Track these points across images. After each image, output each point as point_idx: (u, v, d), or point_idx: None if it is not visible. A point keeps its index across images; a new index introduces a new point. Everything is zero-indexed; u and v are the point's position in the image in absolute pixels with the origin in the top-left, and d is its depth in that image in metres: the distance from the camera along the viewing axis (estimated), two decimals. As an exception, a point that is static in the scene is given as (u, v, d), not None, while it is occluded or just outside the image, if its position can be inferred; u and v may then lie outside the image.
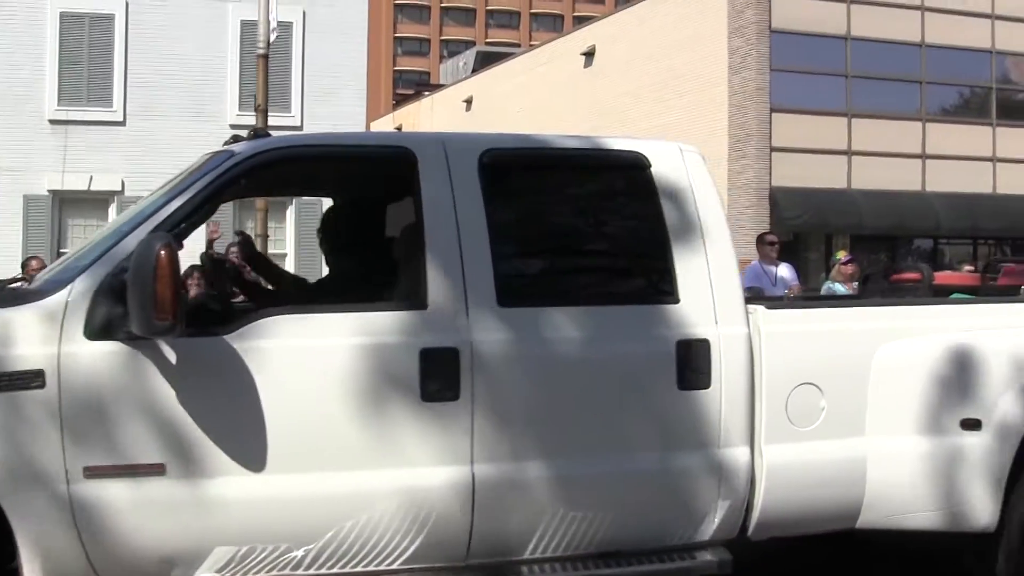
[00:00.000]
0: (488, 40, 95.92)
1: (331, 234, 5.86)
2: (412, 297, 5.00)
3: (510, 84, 40.66)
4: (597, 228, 5.49)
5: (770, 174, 31.35)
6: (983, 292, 7.30)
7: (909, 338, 5.55)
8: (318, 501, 4.77)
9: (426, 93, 53.08)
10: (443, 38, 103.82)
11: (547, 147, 5.71)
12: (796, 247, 30.89)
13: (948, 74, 33.11)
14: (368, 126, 36.10)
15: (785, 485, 5.35)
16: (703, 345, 5.20)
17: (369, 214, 5.85)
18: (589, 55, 36.40)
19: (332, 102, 23.81)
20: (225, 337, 4.71)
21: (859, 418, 5.46)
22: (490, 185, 5.14)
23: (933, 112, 33.05)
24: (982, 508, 5.46)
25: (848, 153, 31.87)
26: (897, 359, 5.48)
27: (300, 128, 23.22)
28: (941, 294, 7.02)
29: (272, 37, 17.66)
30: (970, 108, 33.78)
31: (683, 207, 5.37)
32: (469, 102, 43.63)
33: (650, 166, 5.39)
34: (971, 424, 5.42)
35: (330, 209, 6.14)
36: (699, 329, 5.22)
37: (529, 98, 38.76)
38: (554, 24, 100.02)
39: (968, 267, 13.17)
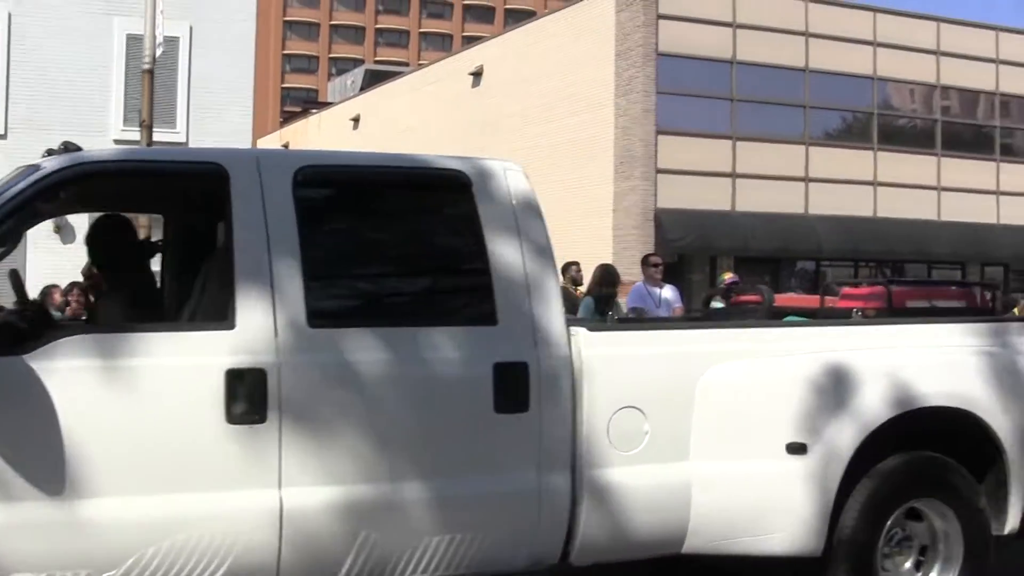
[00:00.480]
0: (377, 59, 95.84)
1: (106, 247, 5.72)
2: (220, 317, 4.89)
3: (398, 103, 40.57)
4: (415, 248, 5.41)
5: (655, 196, 31.61)
6: (821, 315, 7.35)
7: (735, 361, 5.55)
8: (119, 526, 4.63)
9: (313, 111, 52.74)
10: (332, 56, 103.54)
11: (366, 165, 5.66)
12: (681, 269, 31.15)
13: (831, 99, 33.74)
14: (255, 143, 35.79)
15: (607, 510, 5.32)
16: (520, 368, 5.14)
17: (183, 230, 5.73)
18: (477, 75, 36.45)
19: (218, 118, 23.54)
20: (24, 357, 4.57)
21: (684, 442, 5.44)
22: (305, 203, 5.05)
23: (816, 136, 33.64)
24: (809, 532, 5.46)
25: (733, 176, 32.27)
26: (722, 383, 5.48)
27: (186, 143, 22.91)
28: (781, 316, 7.06)
29: (158, 52, 17.41)
30: (852, 133, 34.45)
31: (504, 228, 5.32)
32: (357, 120, 43.43)
33: (471, 185, 5.33)
34: (796, 448, 5.42)
35: (101, 220, 5.94)
36: (517, 351, 5.17)
37: (417, 117, 38.70)
38: (443, 43, 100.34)
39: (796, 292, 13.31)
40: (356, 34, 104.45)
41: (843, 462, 5.48)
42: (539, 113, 33.79)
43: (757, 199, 32.09)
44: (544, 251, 5.40)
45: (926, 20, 34.48)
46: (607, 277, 12.72)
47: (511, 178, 5.43)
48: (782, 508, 5.47)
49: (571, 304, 13.89)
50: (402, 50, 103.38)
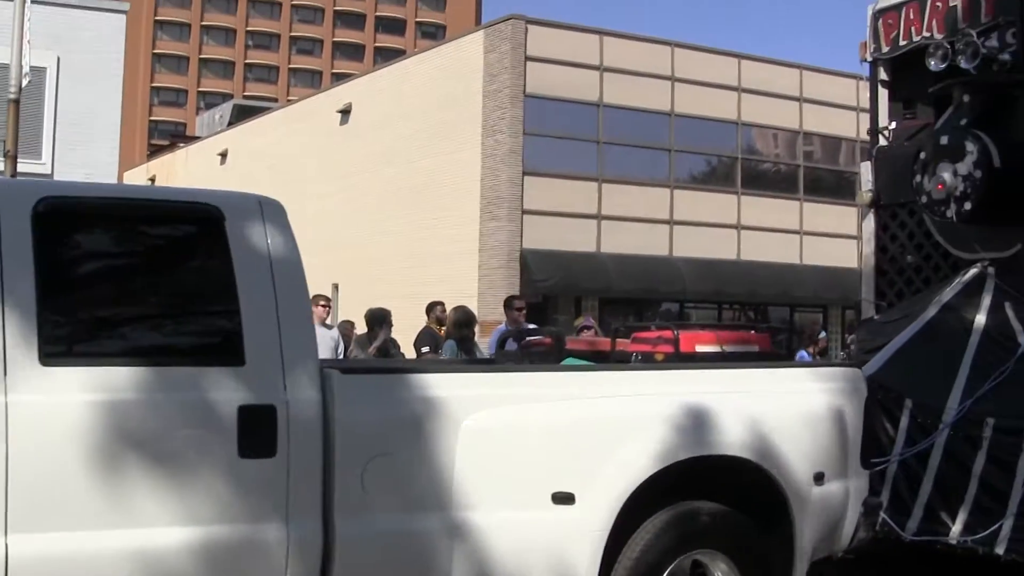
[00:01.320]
0: (246, 94, 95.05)
1: None
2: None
3: (266, 139, 40.13)
4: (162, 284, 5.17)
5: (521, 236, 31.59)
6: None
7: (501, 407, 5.39)
8: None
9: (181, 145, 51.96)
10: (201, 90, 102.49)
11: (113, 197, 5.43)
12: (545, 309, 31.12)
13: (696, 143, 34.14)
14: (121, 176, 35.02)
15: (361, 560, 5.12)
16: (267, 411, 4.93)
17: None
18: (345, 112, 36.21)
19: (85, 150, 22.97)
20: None
21: (445, 491, 5.25)
22: (44, 236, 4.80)
23: (681, 179, 33.99)
24: (577, 584, 5.31)
25: (598, 217, 32.41)
26: (485, 429, 5.30)
27: (51, 175, 22.31)
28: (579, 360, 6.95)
29: (24, 82, 16.88)
30: (717, 176, 34.88)
31: (257, 265, 5.11)
32: (224, 155, 42.86)
33: (224, 219, 5.11)
34: (563, 498, 5.28)
35: None
36: (264, 394, 4.95)
37: (285, 153, 38.32)
38: (312, 80, 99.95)
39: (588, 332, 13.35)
40: (225, 68, 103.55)
41: (613, 512, 5.35)
42: (407, 152, 33.63)
43: (622, 241, 32.26)
44: (298, 290, 5.20)
45: (789, 67, 35.12)
46: (462, 319, 12.83)
47: (268, 213, 5.22)
48: (548, 560, 5.32)
49: (436, 344, 14.11)
50: (271, 85, 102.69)
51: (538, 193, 31.65)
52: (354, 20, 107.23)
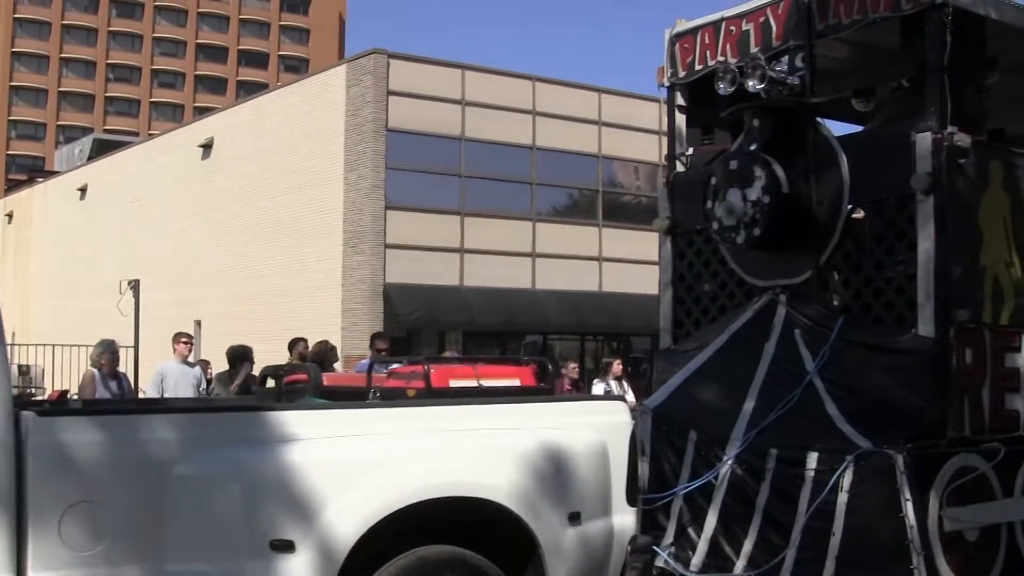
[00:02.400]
0: (106, 127, 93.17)
1: None
2: None
3: (126, 173, 39.21)
4: None
5: (384, 271, 31.26)
6: (347, 396, 6.79)
7: (219, 449, 4.95)
8: None
9: (39, 179, 50.52)
10: (60, 123, 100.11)
11: None
12: (410, 343, 30.81)
13: (557, 176, 34.06)
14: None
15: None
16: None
17: None
18: (207, 147, 35.50)
19: (-63, 185, 22.03)
20: None
21: (155, 540, 4.81)
22: None
23: (543, 212, 33.87)
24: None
25: (461, 251, 32.17)
26: (199, 474, 4.87)
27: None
28: (336, 397, 6.52)
29: None
30: (578, 209, 34.84)
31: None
32: (84, 190, 41.79)
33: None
34: (283, 545, 4.84)
35: None
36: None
37: (146, 188, 37.47)
38: (174, 114, 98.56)
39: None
40: (85, 102, 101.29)
41: (338, 561, 4.92)
42: (269, 186, 33.09)
43: (485, 274, 32.05)
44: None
45: (650, 101, 35.27)
46: (317, 356, 13.14)
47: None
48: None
49: None
50: (132, 119, 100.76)
51: (401, 227, 31.36)
52: (216, 53, 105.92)
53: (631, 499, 5.95)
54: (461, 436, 5.38)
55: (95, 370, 13.31)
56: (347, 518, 4.95)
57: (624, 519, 5.99)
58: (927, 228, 7.20)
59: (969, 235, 7.29)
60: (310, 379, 6.52)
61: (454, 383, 6.24)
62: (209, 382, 15.97)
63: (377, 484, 5.03)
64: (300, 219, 32.18)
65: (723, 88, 8.01)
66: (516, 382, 6.61)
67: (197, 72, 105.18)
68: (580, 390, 17.74)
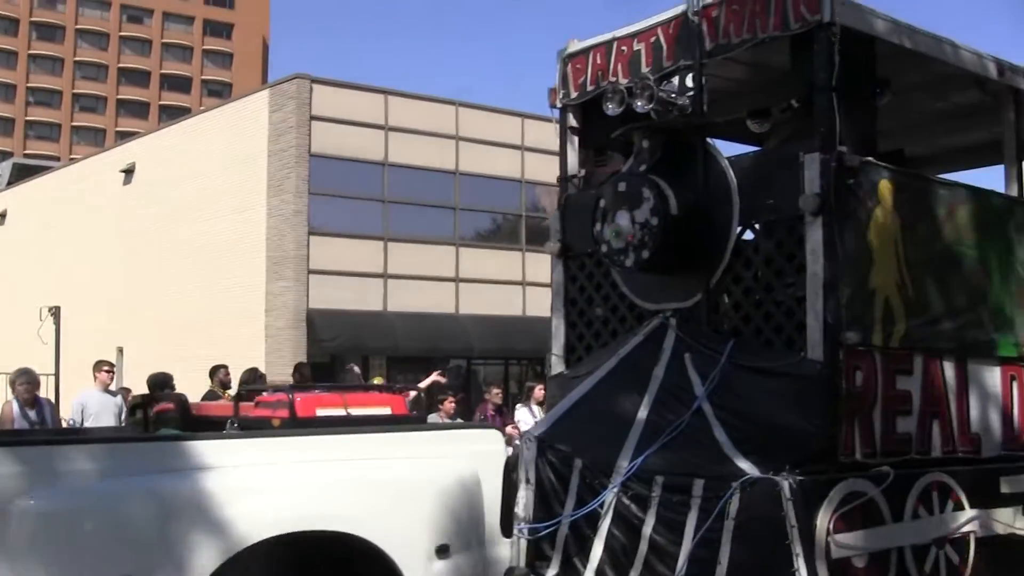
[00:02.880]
0: (26, 152, 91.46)
1: None
2: None
3: (47, 198, 38.46)
4: None
5: (307, 296, 30.86)
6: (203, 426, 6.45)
7: (66, 482, 4.61)
8: None
9: (-41, 205, 49.53)
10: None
11: None
12: (333, 369, 30.41)
13: (481, 201, 33.86)
14: None
15: None
16: None
17: None
18: (129, 172, 34.92)
19: None
20: None
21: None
22: None
23: (466, 237, 33.63)
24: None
25: (385, 276, 31.85)
26: (42, 510, 4.54)
27: None
28: (203, 427, 6.20)
29: None
30: (501, 234, 34.65)
31: None
32: (3, 216, 40.93)
33: None
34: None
35: None
36: None
37: (67, 213, 36.76)
38: (96, 138, 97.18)
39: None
40: (4, 125, 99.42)
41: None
42: (192, 212, 32.60)
43: (409, 299, 31.77)
44: None
45: (572, 127, 35.11)
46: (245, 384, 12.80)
47: None
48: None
49: None
50: (53, 143, 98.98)
51: (324, 253, 31.01)
52: (139, 77, 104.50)
53: (506, 530, 5.67)
54: (322, 467, 5.07)
55: (13, 400, 12.89)
56: (199, 553, 4.63)
57: (500, 551, 5.70)
58: (816, 250, 7.02)
59: (859, 256, 7.12)
60: (177, 408, 6.18)
61: (321, 412, 5.93)
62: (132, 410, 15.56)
63: (230, 517, 4.71)
64: (223, 245, 31.70)
65: (611, 109, 7.81)
66: (387, 411, 6.32)
67: (119, 96, 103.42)
68: (504, 416, 17.54)
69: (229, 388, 14.69)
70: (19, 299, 36.55)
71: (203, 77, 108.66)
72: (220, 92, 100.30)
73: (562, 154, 8.78)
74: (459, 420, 15.07)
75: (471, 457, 5.65)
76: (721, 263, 7.55)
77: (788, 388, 7.01)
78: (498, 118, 34.46)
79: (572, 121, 8.69)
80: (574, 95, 8.55)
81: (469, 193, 33.48)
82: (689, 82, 7.80)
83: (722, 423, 7.03)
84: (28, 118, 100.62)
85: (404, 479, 5.30)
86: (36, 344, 29.83)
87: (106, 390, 14.71)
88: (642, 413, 7.23)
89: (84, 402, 14.26)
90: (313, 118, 31.45)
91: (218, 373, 15.08)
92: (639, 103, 7.61)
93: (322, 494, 4.98)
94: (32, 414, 12.95)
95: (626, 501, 6.91)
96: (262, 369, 22.19)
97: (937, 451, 7.53)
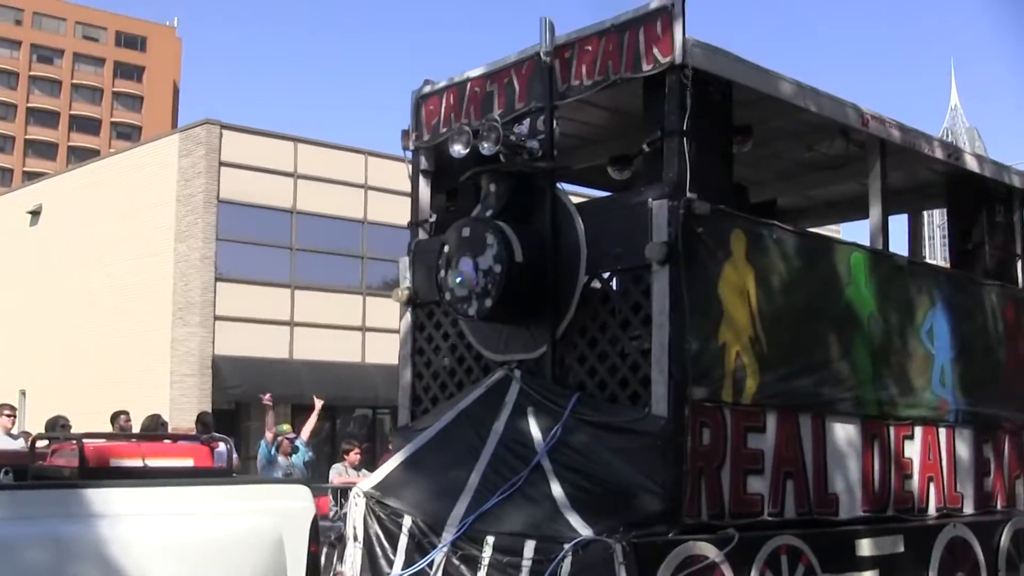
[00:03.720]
0: None
1: None
2: None
3: (-48, 239, 37.22)
4: None
5: (213, 343, 30.02)
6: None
7: None
8: None
9: None
10: None
11: None
12: (238, 416, 29.57)
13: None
14: None
15: None
16: None
17: None
18: (36, 213, 33.91)
19: None
20: None
21: None
22: None
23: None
24: None
25: (291, 324, 31.10)
26: None
27: None
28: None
29: None
30: (410, 284, 34.00)
31: None
32: (-94, 254, 39.55)
33: None
34: None
35: None
36: None
37: (-29, 254, 35.59)
38: (3, 178, 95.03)
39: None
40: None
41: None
42: (99, 255, 31.68)
43: (315, 347, 31.04)
44: None
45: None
46: (146, 431, 12.47)
47: None
48: None
49: None
50: None
51: (231, 299, 30.21)
52: (47, 118, 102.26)
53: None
54: (109, 523, 4.48)
55: None
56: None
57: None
58: (662, 301, 6.58)
59: (707, 308, 6.69)
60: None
61: (115, 463, 5.34)
62: (34, 455, 14.77)
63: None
64: (129, 289, 30.79)
65: (456, 151, 7.36)
66: (189, 462, 5.74)
67: (27, 136, 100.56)
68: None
69: None
70: (-80, 341, 35.36)
71: (113, 119, 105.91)
72: (130, 135, 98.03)
73: (414, 198, 8.34)
74: (363, 471, 14.50)
75: (274, 514, 5.08)
76: (568, 313, 7.09)
77: (631, 445, 6.55)
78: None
79: (424, 164, 8.21)
80: (427, 137, 8.09)
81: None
82: (540, 125, 7.36)
83: (561, 480, 6.54)
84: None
85: (201, 536, 4.73)
86: (-63, 385, 28.72)
87: (8, 434, 13.96)
88: (478, 469, 6.73)
89: None
90: (222, 164, 30.74)
91: (119, 419, 14.30)
92: (485, 145, 7.16)
93: (109, 552, 4.37)
94: None
95: (456, 562, 6.38)
96: (165, 415, 21.47)
97: (791, 512, 7.10)
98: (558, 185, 7.36)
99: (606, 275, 7.05)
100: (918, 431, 8.05)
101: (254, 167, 31.01)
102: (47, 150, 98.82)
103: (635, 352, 6.76)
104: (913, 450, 7.99)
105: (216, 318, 30.21)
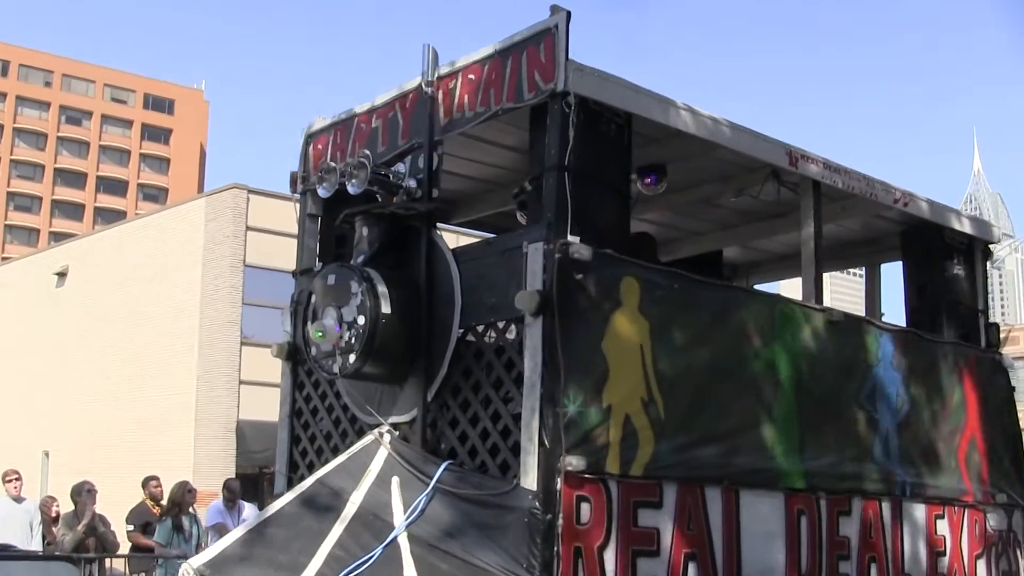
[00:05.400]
0: None
1: None
2: None
3: (-23, 298, 37.03)
4: None
5: (238, 407, 29.42)
6: None
7: None
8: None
9: None
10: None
11: None
12: (260, 482, 28.82)
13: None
14: None
15: None
16: None
17: None
18: (62, 275, 33.60)
19: None
20: None
21: None
22: None
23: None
24: None
25: (315, 388, 30.32)
26: None
27: None
28: None
29: None
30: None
31: None
32: (-68, 311, 39.39)
33: None
34: None
35: None
36: None
37: (-1, 312, 35.34)
38: (29, 238, 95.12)
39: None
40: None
41: None
42: (124, 317, 31.25)
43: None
44: None
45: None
46: (174, 498, 12.88)
47: None
48: None
49: (148, 522, 13.42)
50: None
51: (256, 363, 29.56)
52: (75, 178, 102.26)
53: None
54: None
55: None
56: None
57: None
58: (534, 357, 5.65)
59: (589, 366, 5.73)
60: None
61: None
62: (56, 519, 14.26)
63: None
64: (154, 352, 30.29)
65: (322, 191, 6.54)
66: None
67: (55, 196, 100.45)
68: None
69: (160, 501, 13.81)
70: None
71: (139, 181, 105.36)
72: (156, 196, 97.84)
73: (300, 243, 7.47)
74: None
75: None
76: (440, 372, 6.16)
77: (497, 522, 5.61)
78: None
79: (312, 207, 7.36)
80: (315, 178, 7.22)
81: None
82: (421, 162, 6.50)
83: (416, 561, 5.60)
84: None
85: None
86: (-41, 447, 28.17)
87: (15, 499, 13.54)
88: (324, 547, 5.79)
89: None
90: (249, 228, 30.32)
91: (149, 484, 14.10)
92: (352, 184, 6.30)
93: None
94: None
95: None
96: (190, 478, 20.72)
97: (696, 599, 6.07)
98: (438, 229, 6.47)
99: (480, 328, 6.10)
100: (856, 505, 6.98)
101: (281, 232, 30.47)
102: (74, 211, 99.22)
103: (507, 416, 5.80)
104: (850, 527, 6.93)
105: (241, 382, 29.66)
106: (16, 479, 13.94)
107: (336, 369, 6.24)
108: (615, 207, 6.20)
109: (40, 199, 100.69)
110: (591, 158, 5.96)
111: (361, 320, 6.10)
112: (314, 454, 6.94)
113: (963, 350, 7.99)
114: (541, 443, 5.52)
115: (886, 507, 7.20)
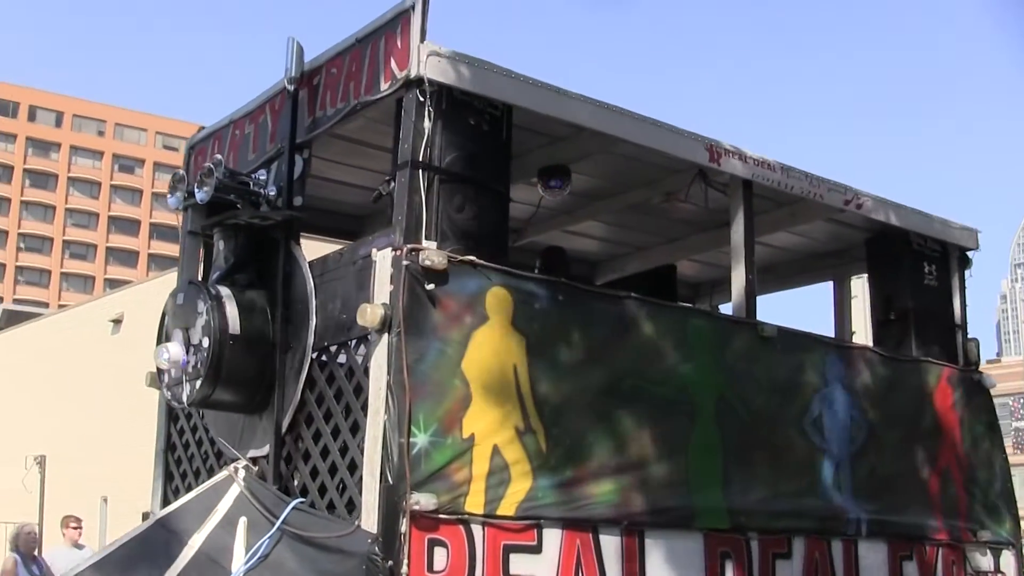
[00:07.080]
0: (16, 297, 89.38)
1: None
2: None
3: (37, 345, 37.15)
4: None
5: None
6: None
7: None
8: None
9: (-51, 349, 48.16)
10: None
11: None
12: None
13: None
14: None
15: None
16: None
17: None
18: (117, 322, 33.53)
19: None
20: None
21: None
22: None
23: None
24: None
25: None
26: None
27: None
28: None
29: None
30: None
31: None
32: (-9, 361, 39.69)
33: None
34: None
35: None
36: None
37: (56, 361, 35.37)
38: (84, 285, 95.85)
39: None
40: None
41: None
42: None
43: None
44: None
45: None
46: None
47: None
48: None
49: None
50: (43, 289, 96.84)
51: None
52: (128, 226, 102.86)
53: None
54: None
55: (15, 554, 11.98)
56: None
57: None
58: (379, 380, 4.97)
59: (444, 390, 5.04)
60: None
61: None
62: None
63: None
64: (207, 397, 30.04)
65: (172, 202, 5.97)
66: None
67: (109, 244, 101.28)
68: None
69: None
70: (5, 447, 34.97)
71: None
72: None
73: (182, 261, 6.89)
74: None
75: None
76: (293, 399, 5.51)
77: (338, 569, 4.92)
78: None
79: (192, 223, 6.78)
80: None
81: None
82: (284, 169, 5.88)
83: (246, 614, 4.92)
84: (19, 264, 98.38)
85: None
86: (21, 493, 28.03)
87: (75, 545, 13.05)
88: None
89: (51, 560, 12.87)
90: (300, 267, 29.98)
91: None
92: (201, 192, 5.71)
93: None
94: (35, 568, 12.18)
95: None
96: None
97: (582, 659, 5.31)
98: (299, 241, 5.84)
99: (334, 348, 5.44)
100: (798, 546, 6.16)
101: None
102: (128, 258, 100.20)
103: (354, 448, 5.13)
104: (791, 570, 6.10)
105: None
106: (76, 526, 13.66)
107: (184, 397, 5.63)
108: (491, 210, 5.51)
109: (95, 247, 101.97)
110: (459, 154, 5.31)
111: (206, 342, 5.49)
112: (185, 492, 6.31)
113: (935, 369, 7.13)
114: (383, 478, 4.84)
115: (837, 548, 6.37)
